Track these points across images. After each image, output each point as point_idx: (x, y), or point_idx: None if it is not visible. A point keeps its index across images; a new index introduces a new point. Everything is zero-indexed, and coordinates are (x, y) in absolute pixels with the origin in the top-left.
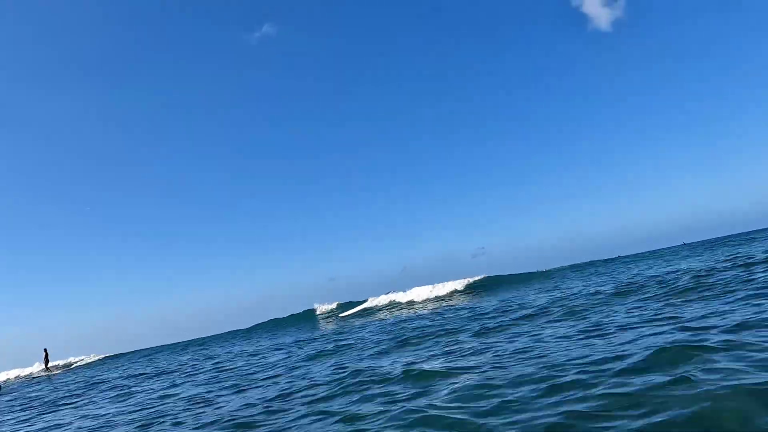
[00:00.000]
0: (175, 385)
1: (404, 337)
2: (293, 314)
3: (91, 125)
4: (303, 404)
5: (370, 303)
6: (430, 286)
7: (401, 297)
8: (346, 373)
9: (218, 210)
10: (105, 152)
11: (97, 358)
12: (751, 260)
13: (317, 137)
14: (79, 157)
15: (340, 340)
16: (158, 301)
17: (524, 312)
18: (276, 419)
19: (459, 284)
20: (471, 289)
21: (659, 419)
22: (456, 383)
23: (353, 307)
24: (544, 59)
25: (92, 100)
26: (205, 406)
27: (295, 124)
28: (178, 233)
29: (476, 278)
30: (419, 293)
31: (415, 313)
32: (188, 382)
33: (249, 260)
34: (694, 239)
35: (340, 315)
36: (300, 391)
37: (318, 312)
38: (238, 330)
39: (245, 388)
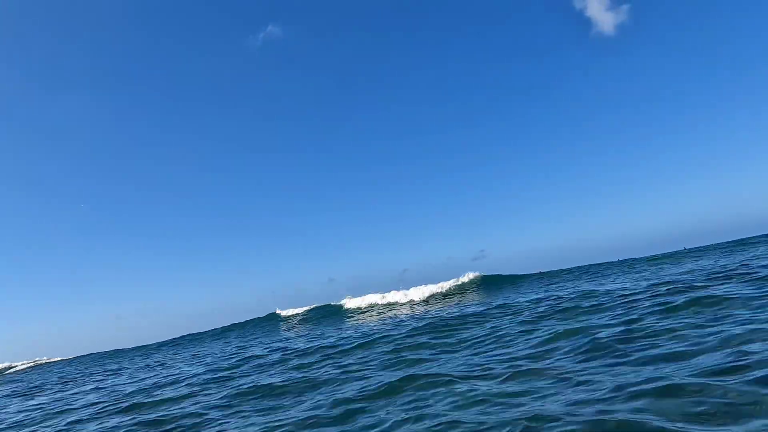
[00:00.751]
0: None
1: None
2: (257, 317)
3: (91, 127)
4: None
5: (347, 305)
6: (414, 289)
7: (378, 299)
8: None
9: (220, 212)
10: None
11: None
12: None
13: (319, 140)
14: (74, 157)
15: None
16: (157, 297)
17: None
18: None
19: (444, 286)
20: (446, 294)
21: None
22: None
23: (325, 310)
24: (547, 62)
25: (93, 101)
26: None
27: (297, 125)
28: (179, 232)
29: (462, 280)
30: (395, 297)
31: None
32: None
33: (238, 260)
34: (700, 243)
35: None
36: None
37: (283, 315)
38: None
39: None
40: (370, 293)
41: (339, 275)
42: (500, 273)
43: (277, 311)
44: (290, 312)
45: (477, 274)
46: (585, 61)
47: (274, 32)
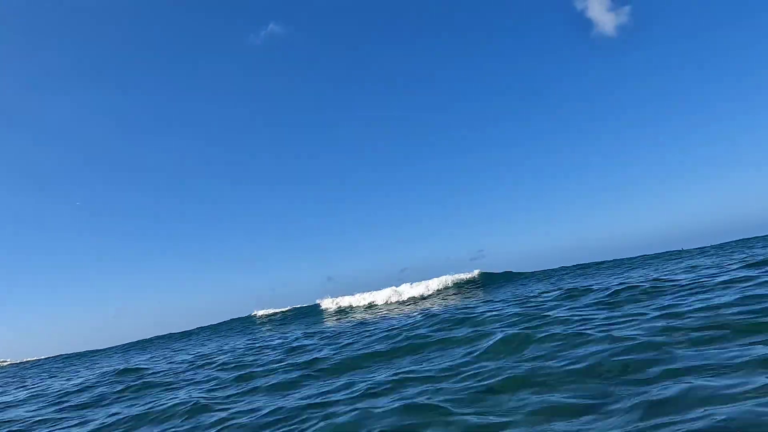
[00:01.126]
0: None
1: None
2: (234, 318)
3: (89, 125)
4: None
5: (323, 306)
6: (401, 287)
7: (357, 300)
8: None
9: (221, 212)
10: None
11: None
12: None
13: (320, 139)
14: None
15: None
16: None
17: None
18: None
19: (437, 283)
20: (439, 291)
21: None
22: None
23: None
24: (547, 63)
25: (92, 100)
26: None
27: (298, 124)
28: (180, 232)
29: (459, 278)
30: (380, 296)
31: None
32: None
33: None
34: (699, 244)
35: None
36: None
37: (258, 316)
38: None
39: None
40: (365, 292)
41: (337, 274)
42: (494, 271)
43: (255, 312)
44: (269, 312)
45: (475, 272)
46: (585, 62)
47: (275, 31)
